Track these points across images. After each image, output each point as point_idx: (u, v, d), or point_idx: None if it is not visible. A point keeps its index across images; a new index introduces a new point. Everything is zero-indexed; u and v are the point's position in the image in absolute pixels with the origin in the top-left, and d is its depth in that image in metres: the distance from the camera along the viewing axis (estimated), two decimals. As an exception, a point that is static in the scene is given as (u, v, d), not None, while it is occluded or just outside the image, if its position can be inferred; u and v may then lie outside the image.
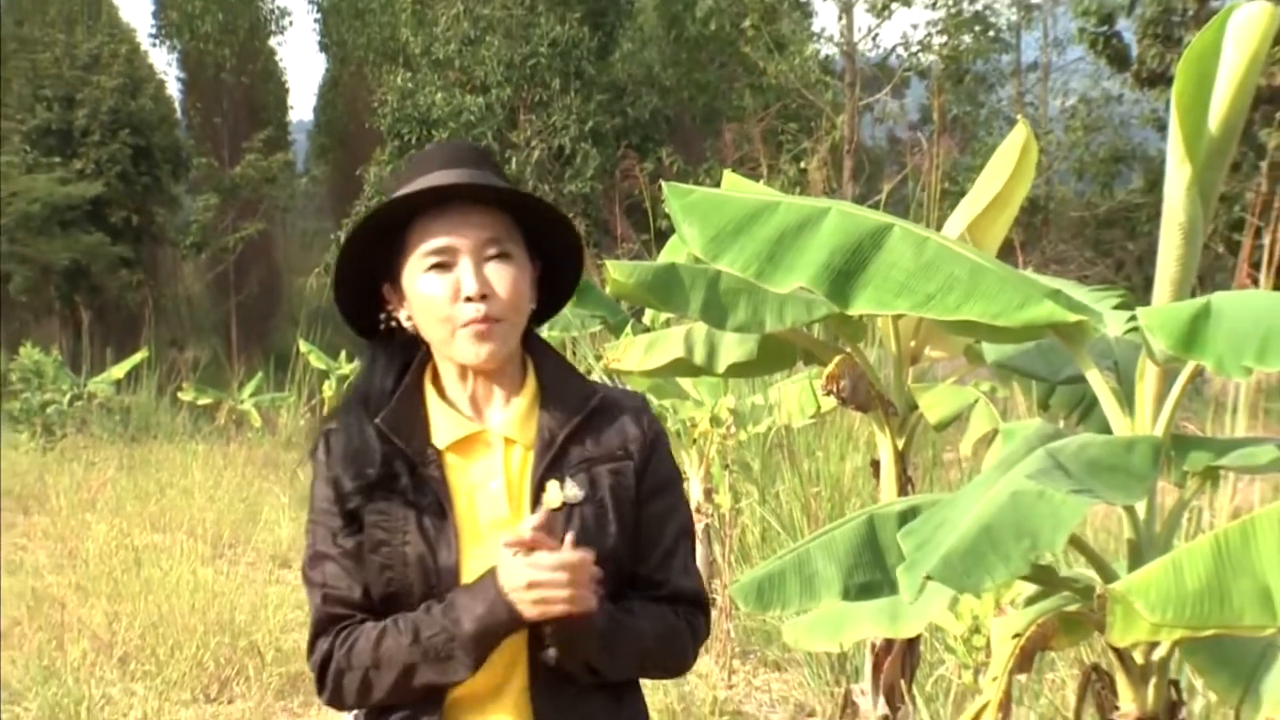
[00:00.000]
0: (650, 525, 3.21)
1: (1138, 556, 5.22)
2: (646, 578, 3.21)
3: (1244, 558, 3.37)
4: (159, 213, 54.76)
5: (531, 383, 3.22)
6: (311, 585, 3.15)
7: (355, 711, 3.23)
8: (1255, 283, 9.47)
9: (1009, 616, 5.76)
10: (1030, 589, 5.38)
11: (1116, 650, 5.36)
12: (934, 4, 51.67)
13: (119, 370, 31.47)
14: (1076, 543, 4.98)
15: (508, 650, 3.04)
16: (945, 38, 51.63)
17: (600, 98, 46.90)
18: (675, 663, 3.29)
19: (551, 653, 3.01)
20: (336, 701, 3.14)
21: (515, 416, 3.16)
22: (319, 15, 63.58)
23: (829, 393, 8.38)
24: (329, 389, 33.82)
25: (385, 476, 3.07)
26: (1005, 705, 5.70)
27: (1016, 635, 5.36)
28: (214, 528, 15.77)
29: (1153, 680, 5.47)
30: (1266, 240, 9.31)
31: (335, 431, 3.20)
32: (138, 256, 52.26)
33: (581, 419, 3.17)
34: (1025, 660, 5.55)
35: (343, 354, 35.98)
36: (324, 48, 63.60)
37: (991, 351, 6.47)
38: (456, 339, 3.06)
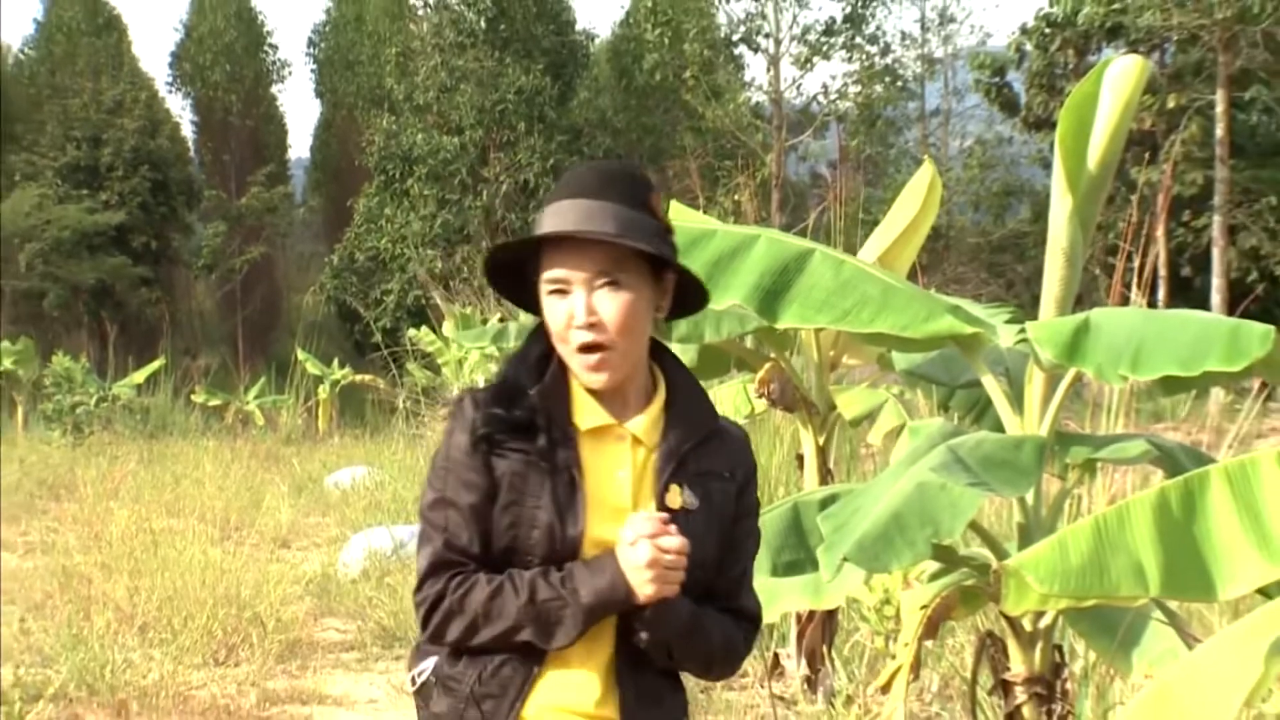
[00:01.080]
0: (736, 545, 3.15)
1: (1027, 538, 5.24)
2: (724, 591, 3.14)
3: (1120, 538, 3.38)
4: (174, 238, 54.73)
5: (662, 395, 3.13)
6: (432, 526, 3.03)
7: (435, 656, 3.13)
8: (1127, 301, 9.49)
9: (916, 590, 5.78)
10: (934, 566, 5.39)
11: (1008, 619, 5.38)
12: (850, 58, 51.95)
13: (139, 376, 31.45)
14: (973, 526, 4.99)
15: (600, 626, 2.97)
16: (860, 87, 51.84)
17: (560, 138, 47.02)
18: (728, 670, 3.25)
19: (644, 635, 2.95)
20: (436, 639, 3.05)
21: (647, 420, 3.08)
22: (315, 66, 63.45)
23: (760, 395, 8.41)
24: (324, 392, 33.91)
25: (526, 426, 2.99)
26: (915, 667, 5.71)
27: (923, 607, 5.37)
28: (222, 513, 15.72)
29: (1039, 645, 5.50)
30: (1136, 264, 9.36)
31: (473, 393, 3.10)
32: (156, 276, 52.14)
33: (703, 437, 3.10)
34: (931, 628, 5.57)
35: (335, 361, 36.11)
36: (319, 95, 63.43)
37: (900, 359, 6.49)
38: (573, 361, 3.00)
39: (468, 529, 2.98)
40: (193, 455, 21.80)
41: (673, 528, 2.90)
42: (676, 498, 3.00)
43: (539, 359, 3.08)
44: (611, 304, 2.93)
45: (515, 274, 3.12)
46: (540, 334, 3.10)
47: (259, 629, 10.19)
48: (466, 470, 2.99)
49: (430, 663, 3.09)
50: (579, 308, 2.92)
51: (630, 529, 2.90)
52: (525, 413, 2.99)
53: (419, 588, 3.03)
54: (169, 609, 10.33)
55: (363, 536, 13.55)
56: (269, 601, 10.75)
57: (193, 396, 34.48)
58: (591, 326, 2.92)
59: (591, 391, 3.05)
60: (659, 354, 3.16)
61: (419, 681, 3.12)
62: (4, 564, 13.55)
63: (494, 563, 2.99)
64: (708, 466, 3.09)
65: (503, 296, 3.25)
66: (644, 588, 2.86)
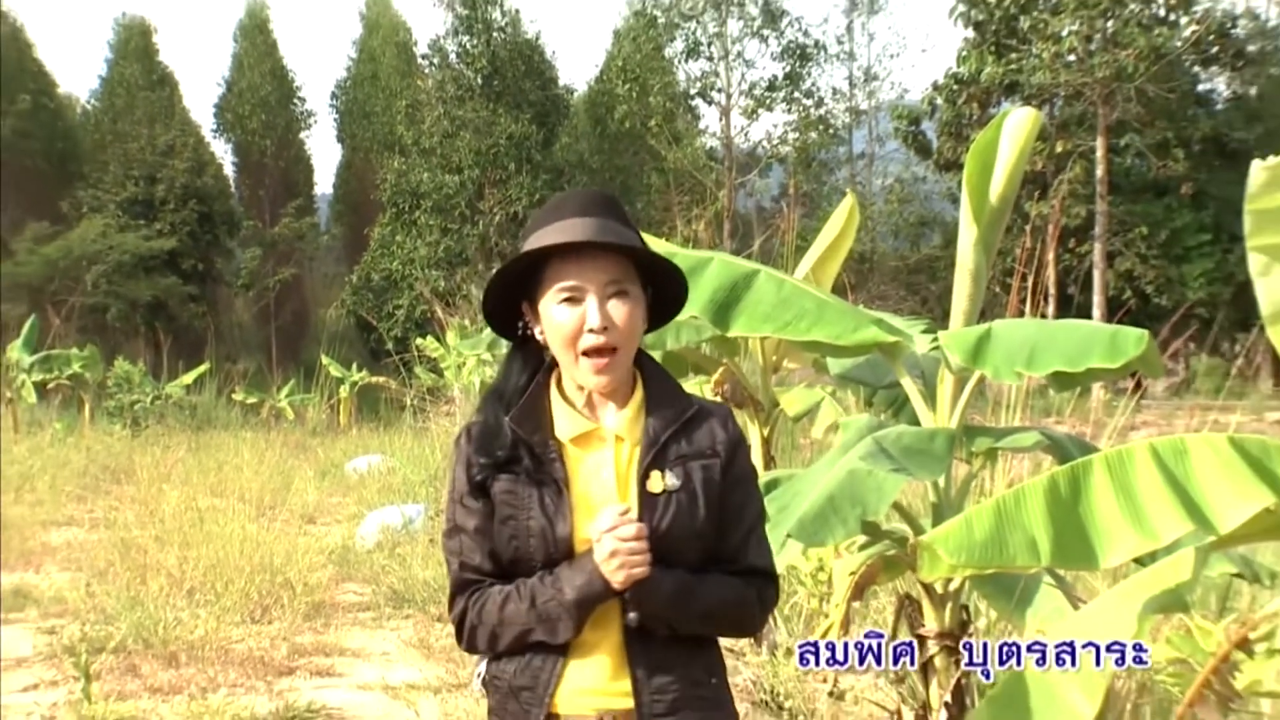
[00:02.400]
0: (732, 511, 3.01)
1: (939, 515, 5.24)
2: (729, 555, 3.00)
3: (1017, 516, 3.37)
4: (218, 261, 54.77)
5: (640, 392, 3.03)
6: (450, 553, 3.00)
7: (486, 659, 3.06)
8: (1022, 314, 9.52)
9: (845, 559, 5.77)
10: (861, 539, 5.37)
11: (923, 584, 5.37)
12: (789, 109, 52.17)
13: (188, 377, 31.36)
14: (894, 505, 4.99)
15: (604, 612, 2.88)
16: (797, 134, 52.04)
17: (545, 177, 47.08)
18: (746, 625, 3.12)
19: (633, 616, 2.87)
20: (471, 648, 3.01)
21: (626, 418, 2.98)
22: (337, 116, 63.24)
23: (715, 394, 8.40)
24: (344, 391, 33.89)
25: (510, 459, 2.91)
26: (844, 624, 5.70)
27: (852, 573, 5.36)
28: (258, 494, 15.60)
29: (949, 605, 5.49)
30: (1030, 283, 9.39)
31: (474, 424, 3.04)
32: (202, 293, 52.25)
33: (680, 424, 2.99)
34: (858, 591, 5.56)
35: (354, 365, 36.11)
36: (340, 140, 63.19)
37: (833, 363, 6.47)
38: (580, 365, 2.90)
39: (478, 550, 2.92)
40: (233, 445, 21.66)
41: (631, 516, 2.82)
42: (657, 483, 2.90)
43: (518, 389, 3.02)
44: (621, 310, 2.87)
45: (505, 300, 3.04)
46: (518, 361, 3.06)
47: (289, 592, 10.19)
48: (468, 500, 2.94)
49: (483, 665, 3.03)
50: (593, 313, 2.85)
51: (594, 526, 2.84)
52: (507, 450, 2.92)
53: (450, 608, 2.99)
54: (213, 575, 10.33)
55: (377, 514, 13.53)
56: (297, 569, 10.76)
57: (233, 395, 34.43)
58: (604, 330, 2.85)
59: (569, 400, 2.99)
60: (638, 356, 3.06)
61: (477, 681, 3.05)
62: (70, 541, 13.52)
63: (505, 573, 2.94)
64: (690, 449, 2.97)
65: (491, 319, 3.12)
66: (614, 575, 2.78)
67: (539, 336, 2.99)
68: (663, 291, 3.06)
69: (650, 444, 2.94)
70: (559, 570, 2.86)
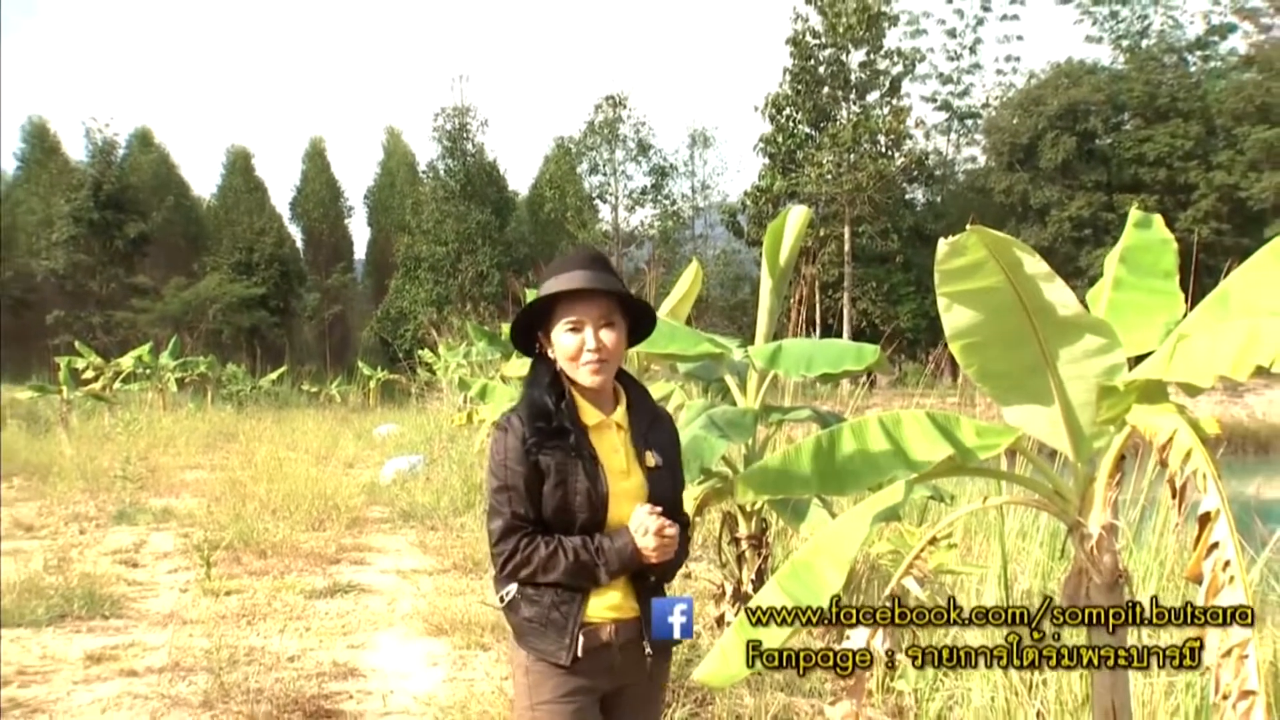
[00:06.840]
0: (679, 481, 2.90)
1: (748, 462, 5.25)
2: (677, 508, 2.83)
3: (796, 461, 3.37)
4: (292, 302, 54.08)
5: (625, 396, 2.86)
6: (500, 504, 2.71)
7: (515, 581, 2.78)
8: (795, 335, 9.61)
9: (689, 490, 5.75)
10: (700, 478, 5.37)
11: (739, 505, 5.38)
12: (655, 207, 52.83)
13: (273, 375, 31.14)
14: (722, 457, 4.99)
15: None
16: (660, 222, 52.59)
17: (500, 248, 47.18)
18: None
19: (653, 578, 2.74)
20: (509, 578, 2.74)
21: (621, 412, 2.81)
22: (368, 209, 62.25)
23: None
24: (373, 384, 33.76)
25: (559, 430, 2.70)
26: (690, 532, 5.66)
27: (694, 499, 5.36)
28: (317, 449, 15.52)
29: (754, 518, 5.50)
30: (804, 318, 9.47)
31: (516, 412, 2.78)
32: (282, 323, 51.74)
33: (654, 418, 2.86)
34: (698, 510, 5.55)
35: (379, 367, 35.86)
36: (370, 224, 62.01)
37: (682, 366, 6.45)
38: (580, 372, 2.73)
39: (525, 503, 2.69)
40: (301, 418, 21.61)
41: (666, 521, 2.69)
42: (651, 459, 2.77)
43: (551, 383, 2.80)
44: (610, 336, 2.73)
45: (526, 329, 2.87)
46: (541, 369, 2.84)
47: (336, 511, 10.11)
48: (519, 465, 2.70)
49: (513, 586, 2.76)
50: (590, 339, 2.72)
51: (638, 522, 2.69)
52: (558, 423, 2.72)
53: (497, 543, 2.73)
54: (289, 500, 10.25)
55: (393, 462, 13.41)
56: (342, 496, 10.70)
57: (302, 387, 34.26)
58: (598, 350, 2.72)
59: (585, 399, 2.80)
60: (620, 373, 2.90)
61: (507, 599, 2.77)
62: (197, 479, 13.29)
63: (545, 522, 2.72)
64: (663, 439, 2.87)
65: (515, 339, 2.93)
66: (650, 556, 2.65)
67: (550, 354, 2.81)
68: (638, 320, 2.90)
69: (640, 434, 2.81)
70: (600, 540, 2.69)
